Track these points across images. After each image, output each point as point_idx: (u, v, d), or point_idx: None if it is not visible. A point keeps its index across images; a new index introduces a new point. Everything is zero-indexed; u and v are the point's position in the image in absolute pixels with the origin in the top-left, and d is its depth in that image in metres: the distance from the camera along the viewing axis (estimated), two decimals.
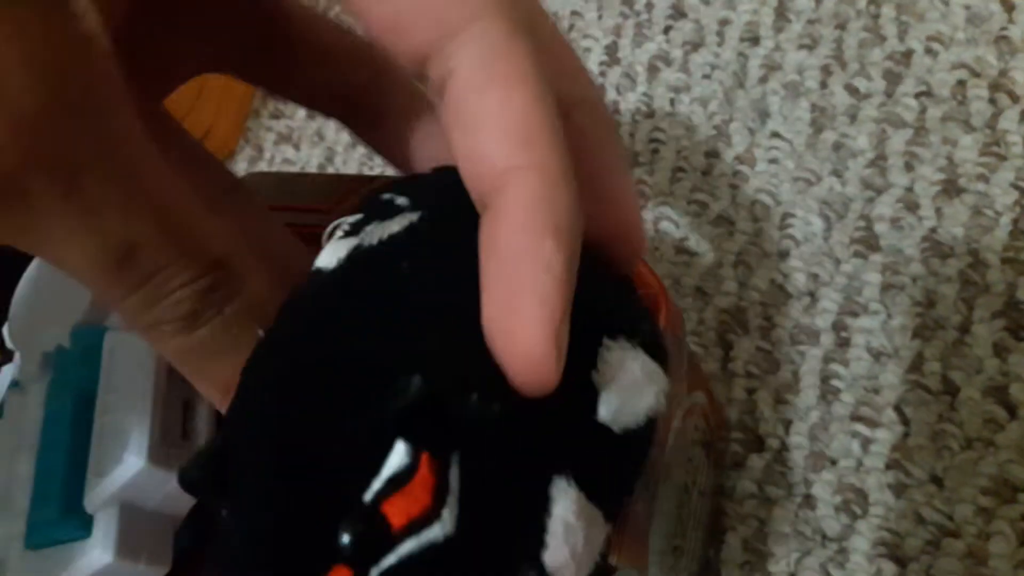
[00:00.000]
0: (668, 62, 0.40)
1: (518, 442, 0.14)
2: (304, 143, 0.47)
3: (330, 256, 0.17)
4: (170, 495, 0.24)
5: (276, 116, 0.49)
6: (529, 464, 0.14)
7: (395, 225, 0.17)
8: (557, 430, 0.14)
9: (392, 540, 0.13)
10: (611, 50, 0.42)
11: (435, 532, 0.13)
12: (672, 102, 0.39)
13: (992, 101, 0.34)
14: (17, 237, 0.16)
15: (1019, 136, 0.33)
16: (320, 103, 0.24)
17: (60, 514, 0.23)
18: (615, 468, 0.15)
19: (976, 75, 0.35)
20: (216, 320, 0.17)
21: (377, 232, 0.17)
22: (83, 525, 0.23)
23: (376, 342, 0.15)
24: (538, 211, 0.14)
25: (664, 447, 0.24)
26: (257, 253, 0.18)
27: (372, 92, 0.22)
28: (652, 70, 0.40)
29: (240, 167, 0.47)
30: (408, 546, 0.13)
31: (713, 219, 0.35)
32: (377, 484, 0.13)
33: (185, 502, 0.24)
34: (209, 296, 0.17)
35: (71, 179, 0.15)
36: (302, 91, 0.24)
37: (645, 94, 0.40)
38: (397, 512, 0.13)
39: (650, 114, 0.39)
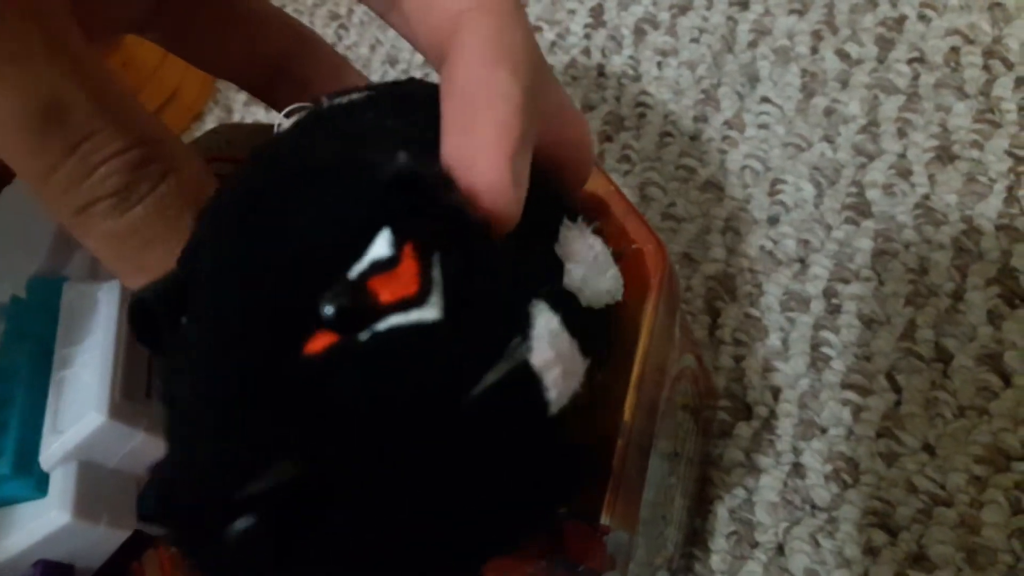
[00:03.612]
0: (655, 25, 0.39)
1: (496, 260, 0.14)
2: None
3: (287, 122, 0.16)
4: (132, 453, 0.22)
5: None
6: (508, 280, 0.14)
7: (354, 95, 0.16)
8: (532, 266, 0.14)
9: (377, 312, 0.12)
10: (596, 12, 0.40)
11: (423, 314, 0.12)
12: (659, 66, 0.38)
13: (986, 68, 0.33)
14: None
15: (1013, 103, 0.32)
16: (246, 71, 0.23)
17: (13, 471, 0.21)
18: (586, 321, 0.15)
19: (970, 42, 0.34)
20: (150, 199, 0.16)
21: (336, 100, 0.16)
22: (38, 484, 0.21)
23: (348, 150, 0.14)
24: (492, 45, 0.14)
25: (657, 412, 0.23)
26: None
27: (297, 58, 0.23)
28: (639, 33, 0.39)
29: (209, 127, 0.46)
30: (395, 319, 0.12)
31: (701, 184, 0.34)
32: (360, 266, 0.12)
33: (148, 462, 0.23)
34: (141, 171, 0.16)
35: None
36: (229, 58, 0.23)
37: (631, 57, 0.39)
38: (383, 290, 0.12)
39: (636, 78, 0.38)
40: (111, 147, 0.16)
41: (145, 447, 0.22)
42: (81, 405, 0.21)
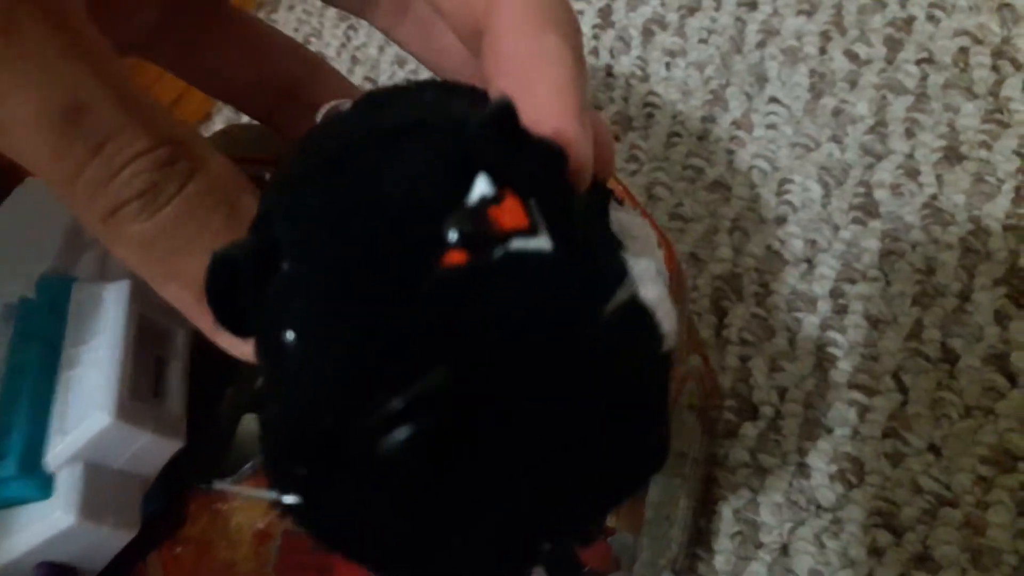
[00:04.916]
0: (663, 26, 0.39)
1: (582, 209, 0.14)
2: None
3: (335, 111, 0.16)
4: (138, 455, 0.23)
5: None
6: (598, 229, 0.14)
7: (398, 85, 0.16)
8: (606, 234, 0.14)
9: (498, 239, 0.12)
10: (605, 13, 0.40)
11: (540, 243, 0.12)
12: (667, 66, 0.38)
13: (995, 68, 0.33)
14: None
15: (1022, 104, 0.32)
16: (251, 95, 0.23)
17: (18, 471, 0.21)
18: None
19: (979, 42, 0.34)
20: (178, 199, 0.16)
21: (383, 88, 0.16)
22: (43, 485, 0.22)
23: (422, 113, 0.14)
24: (533, 10, 0.14)
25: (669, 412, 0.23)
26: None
27: (305, 83, 0.23)
28: (647, 34, 0.39)
29: (217, 128, 0.46)
30: (517, 243, 0.12)
31: (708, 184, 0.34)
32: (470, 201, 0.12)
33: (154, 463, 0.23)
34: (168, 169, 0.16)
35: (8, 11, 0.14)
36: (234, 82, 0.23)
37: (639, 58, 0.39)
38: (497, 220, 0.12)
39: (644, 78, 0.38)
40: (136, 146, 0.15)
41: (151, 448, 0.23)
42: (88, 405, 0.21)
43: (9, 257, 0.26)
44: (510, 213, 0.12)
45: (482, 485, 0.12)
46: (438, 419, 0.12)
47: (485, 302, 0.12)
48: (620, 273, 0.13)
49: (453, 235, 0.12)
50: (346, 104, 0.17)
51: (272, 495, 0.12)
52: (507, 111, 0.13)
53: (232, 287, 0.14)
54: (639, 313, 0.13)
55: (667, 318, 0.13)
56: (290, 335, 0.13)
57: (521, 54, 0.14)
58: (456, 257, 0.12)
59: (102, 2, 0.17)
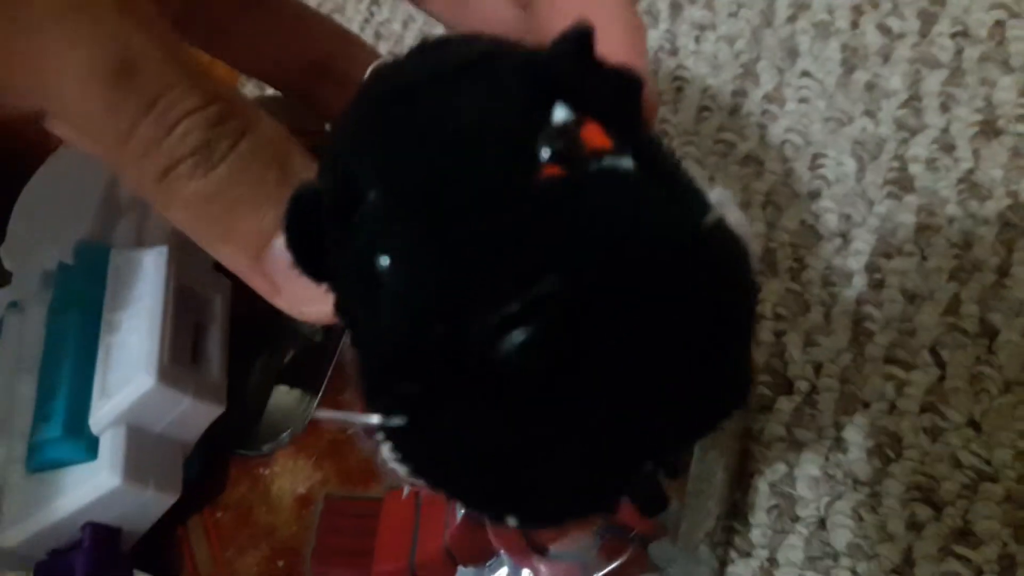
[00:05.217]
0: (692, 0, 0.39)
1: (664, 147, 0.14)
2: None
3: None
4: (179, 418, 0.23)
5: None
6: (673, 160, 0.14)
7: (450, 35, 0.16)
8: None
9: (589, 157, 0.12)
10: None
11: (627, 163, 0.12)
12: (697, 40, 0.38)
13: None
14: (19, 38, 0.14)
15: None
16: (284, 72, 0.23)
17: (64, 433, 0.21)
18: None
19: (1015, 15, 0.33)
20: (232, 156, 0.16)
21: (434, 38, 0.16)
22: (88, 447, 0.22)
23: (487, 48, 0.14)
24: None
25: None
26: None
27: (339, 57, 0.23)
28: (675, 7, 0.39)
29: None
30: (608, 161, 0.12)
31: (740, 159, 0.34)
32: (555, 123, 0.12)
33: (195, 427, 0.23)
34: (220, 127, 0.16)
35: None
36: (268, 59, 0.23)
37: (668, 31, 0.38)
38: (586, 139, 0.12)
39: (674, 52, 0.38)
40: (188, 102, 0.15)
41: (192, 412, 0.23)
42: (130, 369, 0.21)
43: (46, 224, 0.26)
44: (595, 134, 0.12)
45: (589, 398, 0.12)
46: (554, 322, 0.11)
47: (589, 212, 0.12)
48: (703, 197, 0.13)
49: (546, 152, 0.12)
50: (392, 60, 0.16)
51: (374, 420, 0.12)
52: (585, 37, 0.12)
53: (312, 227, 0.13)
54: (730, 233, 0.13)
55: (750, 239, 0.13)
56: (384, 260, 0.12)
57: (577, 5, 0.14)
58: (553, 171, 0.12)
59: None
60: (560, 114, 0.12)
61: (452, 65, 0.14)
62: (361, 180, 0.13)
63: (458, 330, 0.11)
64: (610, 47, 0.14)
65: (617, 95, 0.13)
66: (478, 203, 0.12)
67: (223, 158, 0.16)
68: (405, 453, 0.13)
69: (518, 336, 0.11)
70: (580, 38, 0.12)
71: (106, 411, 0.21)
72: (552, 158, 0.12)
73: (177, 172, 0.16)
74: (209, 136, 0.16)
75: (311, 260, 0.14)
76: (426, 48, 0.15)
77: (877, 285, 0.30)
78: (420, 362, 0.12)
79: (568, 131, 0.12)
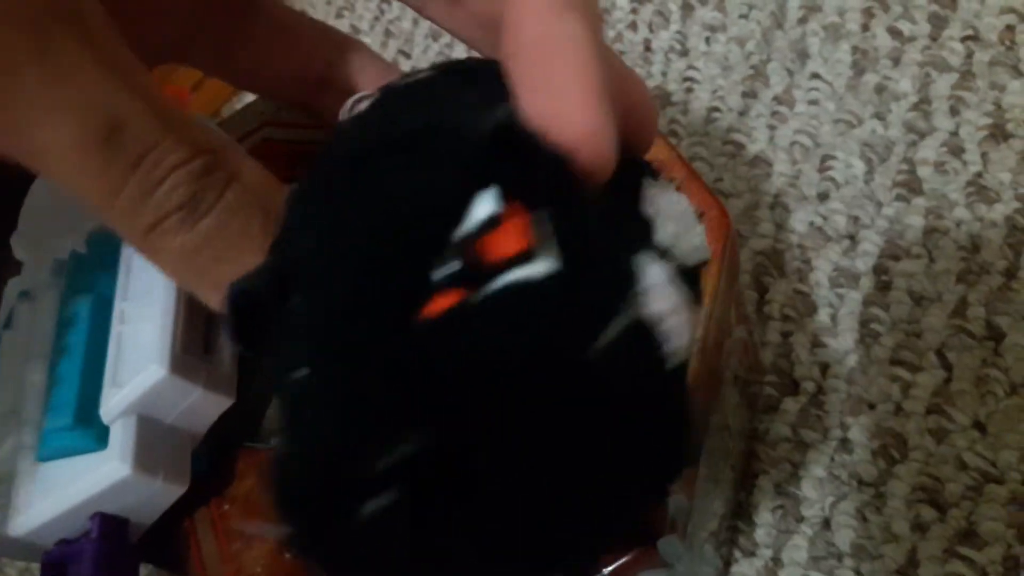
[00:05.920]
0: (703, 1, 0.39)
1: (597, 215, 0.13)
2: None
3: (357, 107, 0.16)
4: (189, 410, 0.23)
5: None
6: (612, 235, 0.13)
7: (420, 74, 0.16)
8: (624, 225, 0.14)
9: (491, 270, 0.12)
10: None
11: (537, 268, 0.12)
12: (707, 41, 0.38)
13: None
14: (5, 111, 0.14)
15: None
16: (288, 86, 0.23)
17: (74, 422, 0.21)
18: (685, 276, 0.14)
19: None
20: (218, 207, 0.16)
21: (403, 80, 0.16)
22: (98, 436, 0.22)
23: (434, 118, 0.14)
24: None
25: (718, 380, 0.23)
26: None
27: (341, 67, 0.22)
28: (686, 8, 0.39)
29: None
30: (510, 276, 0.12)
31: (750, 160, 0.34)
32: (468, 226, 0.12)
33: (204, 419, 0.23)
34: (206, 179, 0.16)
35: (41, 34, 0.14)
36: (271, 75, 0.23)
37: (679, 32, 0.38)
38: (494, 247, 0.12)
39: (684, 52, 0.38)
40: (173, 157, 0.15)
41: (202, 404, 0.23)
42: (142, 358, 0.21)
43: (58, 213, 0.26)
44: (510, 236, 0.12)
45: (485, 529, 0.12)
46: (416, 484, 0.12)
47: (469, 348, 0.12)
48: (626, 289, 0.12)
49: (439, 274, 0.12)
50: (363, 104, 0.17)
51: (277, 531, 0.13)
52: (509, 124, 0.12)
53: (251, 314, 0.14)
54: (641, 334, 0.12)
55: (678, 329, 0.13)
56: (285, 381, 0.13)
57: (539, 37, 0.14)
58: (438, 305, 0.12)
59: (129, 11, 0.17)
60: (481, 210, 0.12)
61: (395, 140, 0.14)
62: (291, 276, 0.14)
63: (329, 488, 0.12)
64: (560, 97, 0.13)
65: (549, 177, 0.12)
66: (363, 347, 0.12)
67: (209, 210, 0.16)
68: (306, 561, 0.13)
69: (381, 500, 0.11)
70: (503, 127, 0.12)
71: (117, 401, 0.21)
72: (450, 280, 0.12)
73: (164, 227, 0.16)
74: (195, 189, 0.16)
75: (252, 345, 0.14)
76: (386, 103, 0.16)
77: (884, 287, 0.30)
78: (300, 506, 0.12)
79: (471, 244, 0.12)
